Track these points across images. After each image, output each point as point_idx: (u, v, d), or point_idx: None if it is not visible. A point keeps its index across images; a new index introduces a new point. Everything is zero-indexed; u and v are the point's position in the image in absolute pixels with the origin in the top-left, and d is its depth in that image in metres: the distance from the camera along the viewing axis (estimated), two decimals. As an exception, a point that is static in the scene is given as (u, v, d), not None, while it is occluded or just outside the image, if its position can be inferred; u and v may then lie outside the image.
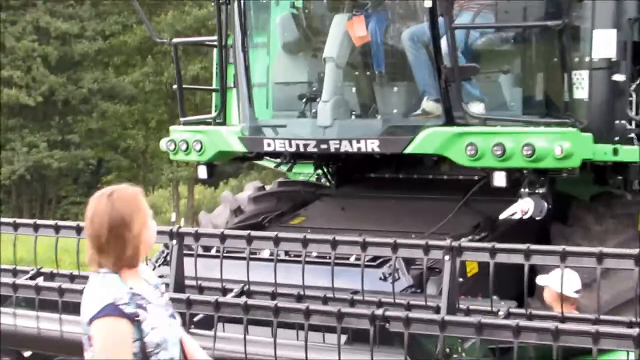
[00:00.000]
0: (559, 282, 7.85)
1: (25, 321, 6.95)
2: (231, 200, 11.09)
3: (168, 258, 7.64)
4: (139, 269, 4.83)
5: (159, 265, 8.99)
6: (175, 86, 11.45)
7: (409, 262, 8.17)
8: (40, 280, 7.40)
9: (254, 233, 7.47)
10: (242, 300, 6.43)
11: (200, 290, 7.20)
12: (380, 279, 8.03)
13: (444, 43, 8.92)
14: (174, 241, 7.11)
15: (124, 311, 4.55)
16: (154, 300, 4.76)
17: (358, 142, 9.28)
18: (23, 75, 43.19)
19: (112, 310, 4.53)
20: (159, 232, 7.37)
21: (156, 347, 4.65)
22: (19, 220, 7.99)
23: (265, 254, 7.78)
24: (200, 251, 7.60)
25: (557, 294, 7.88)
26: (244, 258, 7.14)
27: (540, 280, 7.59)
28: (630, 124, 9.35)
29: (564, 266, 6.29)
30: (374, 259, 8.05)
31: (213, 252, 8.00)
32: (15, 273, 7.79)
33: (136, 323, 4.57)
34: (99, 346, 4.55)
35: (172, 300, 6.48)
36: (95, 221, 4.71)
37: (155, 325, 4.66)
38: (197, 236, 7.28)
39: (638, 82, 9.45)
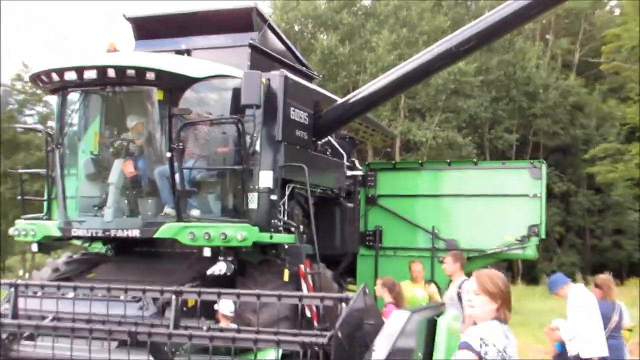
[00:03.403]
0: (222, 306, 7.82)
1: None
2: (52, 264, 10.42)
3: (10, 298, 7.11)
4: None
5: (6, 303, 8.39)
6: (19, 197, 10.85)
7: (154, 299, 7.93)
8: None
9: (62, 283, 7.15)
10: (53, 323, 6.06)
11: (28, 317, 6.73)
12: (139, 308, 7.74)
13: (177, 176, 8.84)
14: (13, 289, 6.68)
15: None
16: None
17: (127, 230, 9.03)
18: None
19: None
20: (5, 284, 6.95)
21: None
22: None
23: (70, 295, 7.34)
24: (30, 294, 7.09)
25: (221, 314, 7.87)
26: (55, 297, 6.78)
27: (216, 306, 7.57)
28: (280, 222, 9.54)
29: (238, 301, 6.25)
30: (134, 297, 7.76)
31: (38, 294, 7.49)
32: None
33: None
34: None
35: (7, 325, 6.09)
36: (499, 283, 4.55)
37: None
38: (27, 285, 6.84)
39: (283, 200, 9.69)
